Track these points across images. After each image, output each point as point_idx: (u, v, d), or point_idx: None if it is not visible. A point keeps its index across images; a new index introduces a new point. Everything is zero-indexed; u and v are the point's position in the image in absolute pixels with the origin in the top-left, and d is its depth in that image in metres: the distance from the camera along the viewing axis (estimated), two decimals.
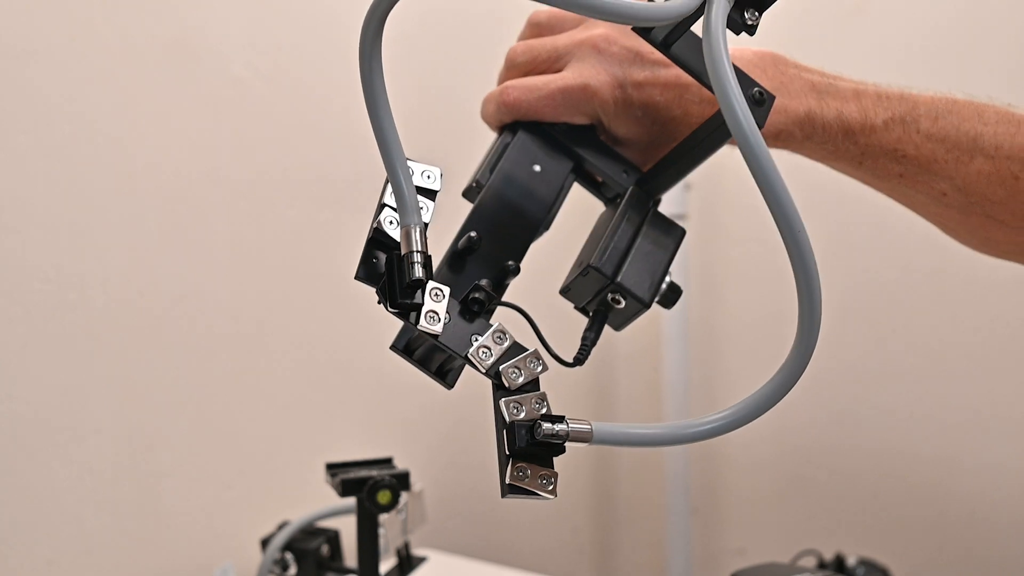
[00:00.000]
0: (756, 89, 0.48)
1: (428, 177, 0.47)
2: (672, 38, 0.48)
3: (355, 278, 0.45)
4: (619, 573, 1.57)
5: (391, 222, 0.46)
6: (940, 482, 1.30)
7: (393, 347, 0.49)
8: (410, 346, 0.48)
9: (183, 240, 0.96)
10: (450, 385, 0.49)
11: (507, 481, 0.41)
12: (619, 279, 0.48)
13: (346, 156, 1.12)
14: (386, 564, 0.81)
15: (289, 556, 0.85)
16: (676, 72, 0.53)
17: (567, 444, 0.42)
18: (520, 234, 0.52)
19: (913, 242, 1.27)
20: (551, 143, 0.55)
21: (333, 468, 0.80)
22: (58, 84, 0.85)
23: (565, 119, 0.55)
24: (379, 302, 0.45)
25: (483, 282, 0.47)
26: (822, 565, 1.21)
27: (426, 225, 0.45)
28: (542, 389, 0.43)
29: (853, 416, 1.34)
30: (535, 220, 0.53)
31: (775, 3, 0.46)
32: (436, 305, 0.44)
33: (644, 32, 0.48)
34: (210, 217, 0.98)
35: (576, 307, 0.51)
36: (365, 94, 0.44)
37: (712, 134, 0.51)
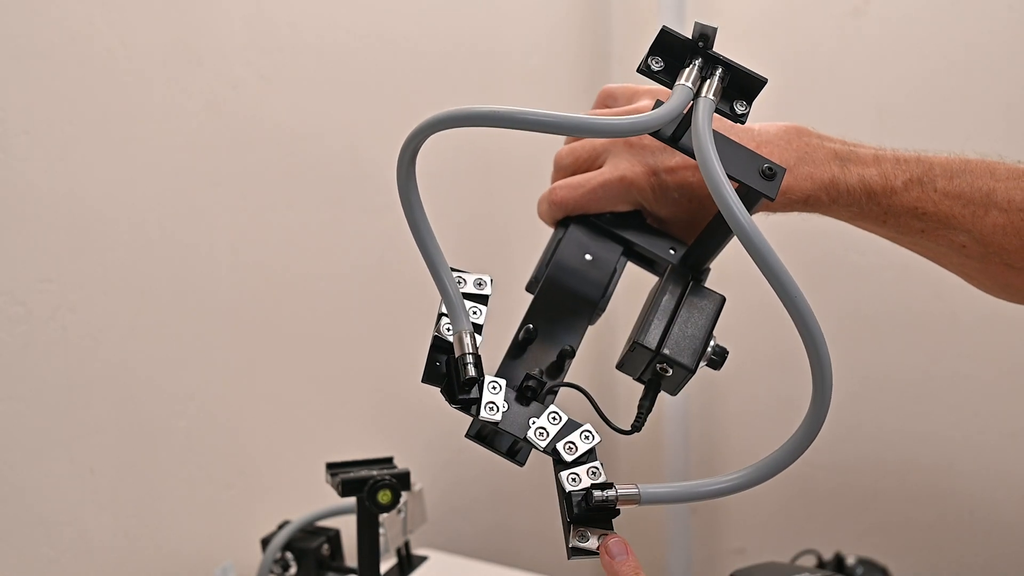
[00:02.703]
0: (766, 165, 0.52)
1: (480, 284, 0.54)
2: (679, 133, 0.53)
3: (422, 381, 0.52)
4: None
5: (448, 328, 0.52)
6: (939, 482, 1.31)
7: (467, 435, 0.55)
8: (480, 432, 0.54)
9: (183, 240, 0.96)
10: (521, 463, 0.56)
11: (570, 544, 0.48)
12: (664, 351, 0.53)
13: (346, 156, 1.12)
14: (386, 564, 0.81)
15: (289, 556, 0.85)
16: None
17: (621, 507, 0.49)
18: (575, 320, 0.58)
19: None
20: (600, 232, 0.61)
21: (333, 468, 0.80)
22: (58, 84, 0.85)
23: (609, 209, 0.61)
24: (446, 399, 0.52)
25: (535, 371, 0.54)
26: (821, 565, 1.21)
27: (479, 327, 0.52)
28: (597, 459, 0.50)
29: (852, 417, 1.34)
30: (590, 304, 0.59)
31: (762, 91, 0.50)
32: (494, 397, 0.51)
33: (653, 133, 0.54)
34: (210, 217, 0.98)
35: (633, 379, 0.56)
36: (407, 218, 0.50)
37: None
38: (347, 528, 0.86)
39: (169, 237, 0.94)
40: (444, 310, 0.52)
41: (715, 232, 0.57)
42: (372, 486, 0.74)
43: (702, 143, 0.45)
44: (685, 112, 0.49)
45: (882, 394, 1.33)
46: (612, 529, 0.49)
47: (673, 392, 0.55)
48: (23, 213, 0.83)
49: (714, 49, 0.49)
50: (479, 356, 0.50)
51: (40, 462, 0.85)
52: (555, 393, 0.55)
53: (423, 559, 0.88)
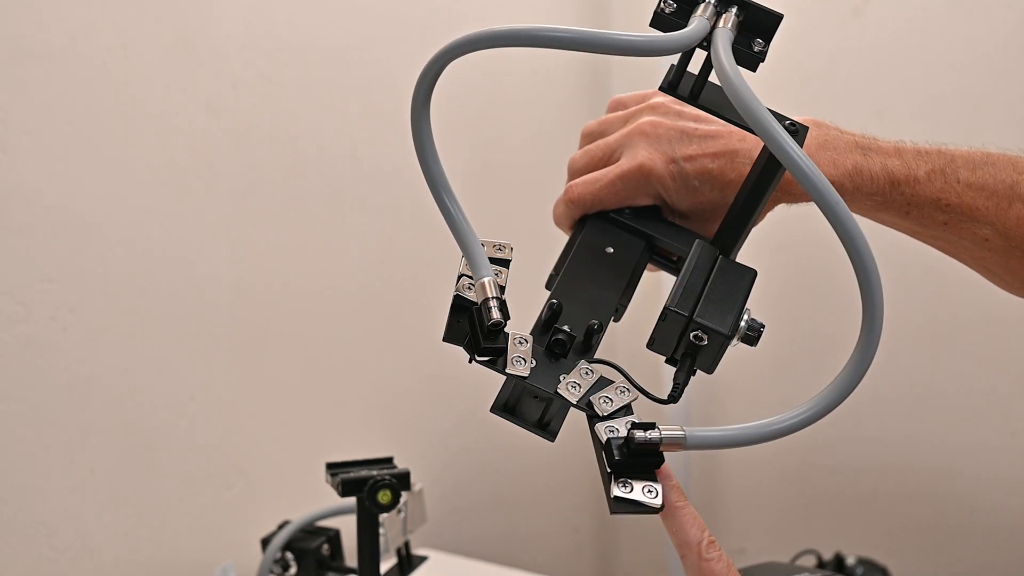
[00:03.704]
0: (787, 122, 0.51)
1: (500, 248, 0.51)
2: (696, 89, 0.52)
3: (443, 340, 0.48)
4: (619, 573, 1.56)
5: (469, 287, 0.48)
6: (939, 482, 1.31)
7: (493, 409, 0.51)
8: (508, 404, 0.50)
9: (184, 240, 0.96)
10: (552, 436, 0.51)
11: (612, 495, 0.43)
12: (696, 316, 0.49)
13: (346, 156, 1.12)
14: (386, 564, 0.81)
15: (289, 556, 0.85)
16: (724, 141, 0.58)
17: (665, 453, 0.44)
18: (600, 300, 0.54)
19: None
20: (621, 227, 0.58)
21: (333, 468, 0.80)
22: (58, 84, 0.85)
23: (629, 203, 0.59)
24: (470, 360, 0.47)
25: (564, 326, 0.50)
26: (821, 565, 1.21)
27: (502, 288, 0.48)
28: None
29: (853, 417, 1.34)
30: (611, 299, 0.55)
31: (779, 29, 0.49)
32: (520, 350, 0.47)
33: (671, 89, 0.52)
34: (210, 217, 0.98)
35: (666, 359, 0.53)
36: (423, 168, 0.48)
37: (762, 172, 0.54)
38: (347, 528, 0.86)
39: (169, 237, 0.94)
40: (464, 270, 0.49)
41: (739, 213, 0.55)
42: (372, 486, 0.74)
43: (725, 68, 0.44)
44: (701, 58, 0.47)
45: (882, 395, 1.33)
46: (655, 479, 0.44)
47: (709, 368, 0.52)
48: (23, 213, 0.83)
49: None
50: (504, 301, 0.46)
51: (40, 462, 0.85)
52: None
53: (423, 559, 0.88)
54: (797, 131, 0.51)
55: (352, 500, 0.77)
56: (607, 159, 0.61)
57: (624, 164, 0.59)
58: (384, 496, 0.75)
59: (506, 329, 0.47)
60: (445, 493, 1.25)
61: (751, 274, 0.53)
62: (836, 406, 0.45)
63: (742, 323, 0.50)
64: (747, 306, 0.51)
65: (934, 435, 1.30)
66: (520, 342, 0.47)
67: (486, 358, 0.47)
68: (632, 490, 0.44)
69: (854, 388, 0.45)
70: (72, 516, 0.87)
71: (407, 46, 1.19)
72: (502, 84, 1.35)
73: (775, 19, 0.49)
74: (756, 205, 0.55)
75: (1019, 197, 0.59)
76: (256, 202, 1.02)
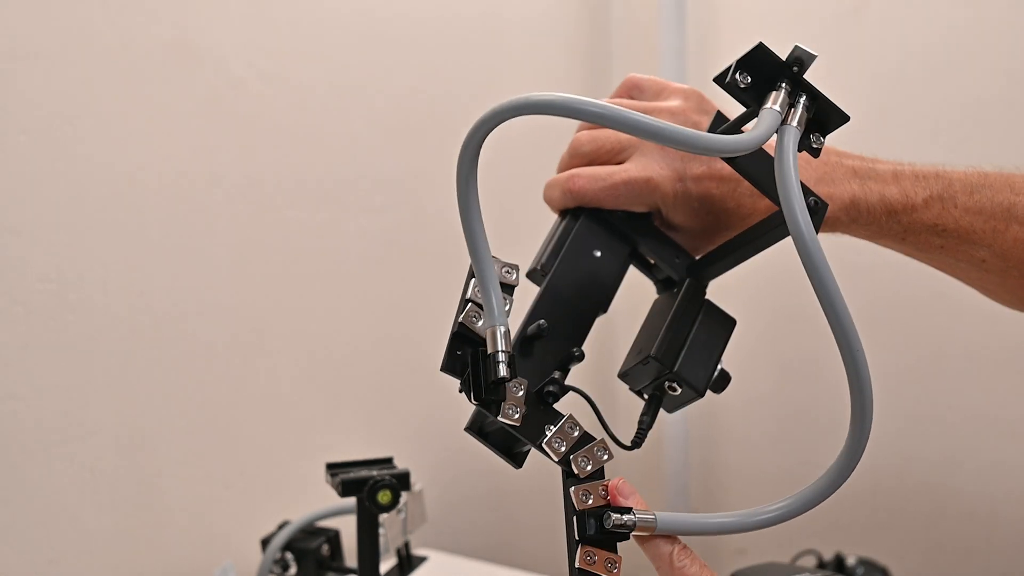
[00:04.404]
0: (812, 199, 0.51)
1: (508, 272, 0.50)
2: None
3: (441, 370, 0.48)
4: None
5: (475, 318, 0.48)
6: (940, 482, 1.30)
7: (467, 429, 0.52)
8: (483, 429, 0.52)
9: (183, 240, 0.96)
10: (519, 465, 0.53)
11: (576, 566, 0.45)
12: (676, 369, 0.51)
13: (346, 156, 1.12)
14: (386, 564, 0.81)
15: (289, 556, 0.85)
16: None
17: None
18: (582, 320, 0.55)
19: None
20: (610, 229, 0.58)
21: (333, 468, 0.80)
22: (58, 84, 0.85)
23: (625, 207, 0.58)
24: (460, 390, 0.48)
25: (556, 374, 0.50)
26: (822, 565, 1.21)
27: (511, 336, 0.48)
28: (606, 476, 0.47)
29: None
30: (596, 304, 0.56)
31: (839, 128, 0.48)
32: (515, 397, 0.47)
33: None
34: (210, 217, 0.98)
35: (632, 390, 0.54)
36: (460, 210, 0.47)
37: (770, 232, 0.54)
38: (347, 528, 0.86)
39: (168, 237, 0.94)
40: (472, 296, 0.49)
41: (735, 249, 0.55)
42: (372, 486, 0.74)
43: (787, 180, 0.42)
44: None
45: (882, 394, 1.33)
46: (616, 551, 0.46)
47: (671, 410, 0.54)
48: (23, 213, 0.83)
49: (805, 77, 0.46)
50: (513, 356, 0.46)
51: (40, 462, 0.85)
52: (561, 395, 0.52)
53: (423, 559, 0.88)
54: (818, 208, 0.52)
55: (352, 500, 0.77)
56: (615, 154, 0.59)
57: (632, 171, 0.58)
58: (384, 496, 0.75)
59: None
60: (445, 493, 1.25)
61: (731, 325, 0.54)
62: (815, 505, 0.47)
63: (715, 374, 0.52)
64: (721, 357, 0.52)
65: (934, 435, 1.30)
66: (515, 388, 0.47)
67: (480, 404, 0.47)
68: (595, 562, 0.46)
69: (836, 489, 0.47)
70: (72, 516, 0.87)
71: (407, 46, 1.19)
72: (502, 81, 1.34)
73: (841, 120, 0.48)
74: (755, 252, 0.56)
75: (1016, 219, 0.59)
76: (256, 202, 1.02)
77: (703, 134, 0.42)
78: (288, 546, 0.85)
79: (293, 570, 0.86)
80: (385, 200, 1.16)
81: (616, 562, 0.46)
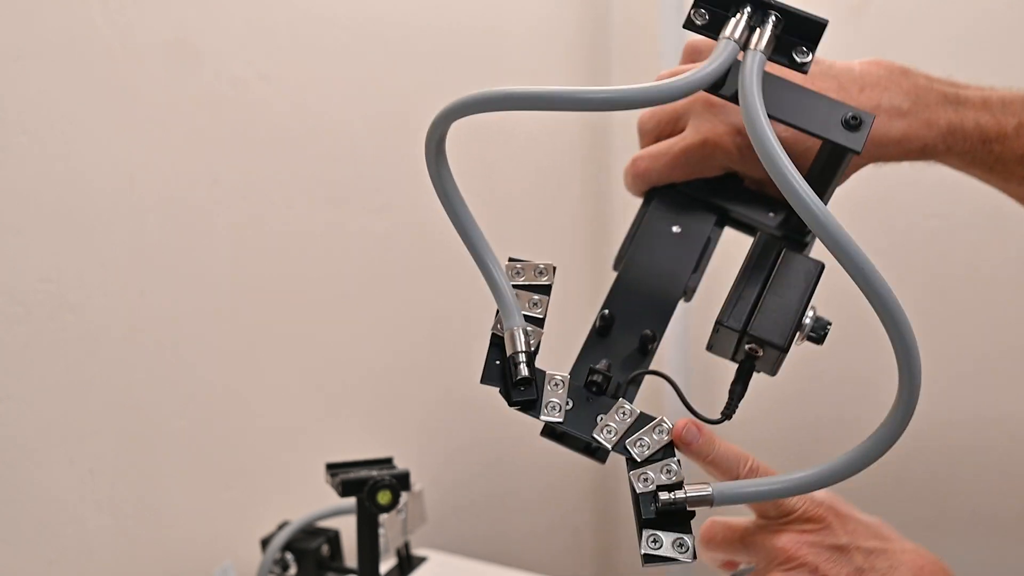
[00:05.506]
0: (850, 114, 0.47)
1: (540, 273, 0.49)
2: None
3: (481, 382, 0.48)
4: (619, 573, 1.56)
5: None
6: (940, 481, 1.30)
7: (543, 434, 0.50)
8: (555, 431, 0.50)
9: (183, 240, 0.96)
10: (602, 461, 0.51)
11: (642, 551, 0.44)
12: (750, 330, 0.48)
13: (346, 156, 1.12)
14: (386, 564, 0.81)
15: (289, 556, 0.85)
16: None
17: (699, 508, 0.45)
18: (660, 301, 0.53)
19: (913, 241, 1.27)
20: (689, 202, 0.56)
21: (333, 468, 0.80)
22: (58, 84, 0.85)
23: (697, 175, 0.56)
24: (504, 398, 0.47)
25: (600, 364, 0.49)
26: None
27: (540, 320, 0.48)
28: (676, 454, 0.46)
29: (852, 416, 1.34)
30: (677, 281, 0.54)
31: (824, 32, 0.45)
32: (556, 395, 0.47)
33: (714, 89, 0.49)
34: (210, 217, 0.98)
35: (727, 359, 0.52)
36: (446, 209, 0.47)
37: (826, 162, 0.51)
38: (347, 528, 0.86)
39: (169, 237, 0.94)
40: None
41: (813, 184, 0.52)
42: (372, 486, 0.74)
43: (750, 105, 0.40)
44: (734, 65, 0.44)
45: (881, 394, 1.33)
46: (689, 531, 0.45)
47: (772, 372, 0.51)
48: (23, 213, 0.83)
49: None
50: (533, 354, 0.46)
51: (40, 462, 0.85)
52: (638, 383, 0.51)
53: (423, 559, 0.88)
54: (860, 123, 0.47)
55: (352, 500, 0.77)
56: (673, 124, 0.57)
57: (688, 138, 0.55)
58: (384, 496, 0.75)
59: (543, 368, 0.47)
60: (445, 493, 1.25)
61: (815, 269, 0.50)
62: (867, 465, 0.46)
63: (806, 321, 0.49)
64: (812, 303, 0.49)
65: (934, 434, 1.30)
66: (556, 384, 0.47)
67: (518, 408, 0.47)
68: (661, 545, 0.44)
69: (891, 445, 0.46)
70: (72, 516, 0.87)
71: (407, 46, 1.19)
72: (502, 83, 1.34)
73: (819, 27, 0.45)
74: (826, 189, 0.52)
75: None
76: (256, 202, 1.02)
77: (646, 86, 0.41)
78: (288, 546, 0.85)
79: (293, 570, 0.86)
80: (386, 201, 1.16)
81: (686, 540, 0.44)
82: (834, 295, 0.56)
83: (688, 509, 0.45)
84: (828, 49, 0.56)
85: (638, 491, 0.45)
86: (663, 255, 0.54)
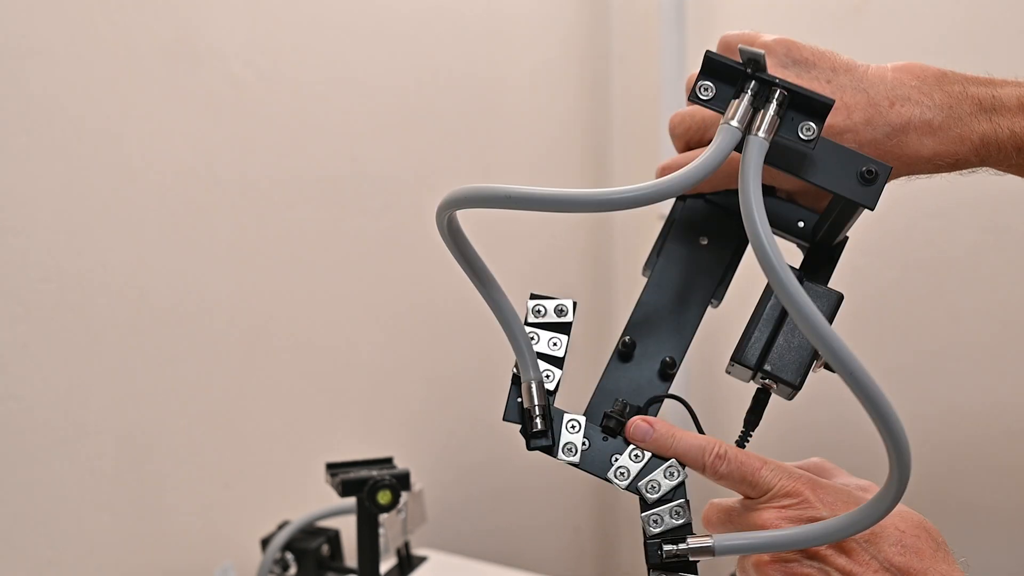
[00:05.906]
0: (865, 168, 0.46)
1: (561, 311, 0.51)
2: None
3: (503, 419, 0.51)
4: (619, 573, 1.56)
5: None
6: (941, 480, 1.30)
7: (533, 447, 0.53)
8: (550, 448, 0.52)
9: (183, 240, 0.96)
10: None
11: None
12: (766, 367, 0.49)
13: (346, 156, 1.12)
14: (386, 564, 0.81)
15: (289, 556, 0.85)
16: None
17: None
18: (683, 320, 0.54)
19: (913, 241, 1.27)
20: (718, 212, 0.56)
21: (333, 468, 0.80)
22: (58, 84, 0.85)
23: (724, 187, 0.56)
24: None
25: (616, 403, 0.51)
26: None
27: (560, 360, 0.50)
28: (687, 495, 0.49)
29: (853, 415, 1.34)
30: (702, 297, 0.54)
31: (830, 111, 0.44)
32: (572, 437, 0.50)
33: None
34: (210, 217, 0.98)
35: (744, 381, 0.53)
36: (470, 278, 0.48)
37: (841, 212, 0.51)
38: (347, 528, 0.86)
39: (168, 237, 0.94)
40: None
41: (830, 226, 0.52)
42: (372, 486, 0.74)
43: (747, 196, 0.40)
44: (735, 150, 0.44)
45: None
46: (695, 573, 0.48)
47: (788, 398, 0.52)
48: (23, 213, 0.83)
49: (767, 74, 0.44)
50: (548, 408, 0.49)
51: (40, 462, 0.85)
52: (657, 409, 0.52)
53: (423, 559, 0.88)
54: (876, 177, 0.46)
55: (352, 500, 0.77)
56: (702, 133, 0.56)
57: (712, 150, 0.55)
58: (384, 496, 0.75)
59: (560, 409, 0.50)
60: (445, 493, 1.25)
61: (833, 301, 0.51)
62: (863, 530, 0.46)
63: (815, 361, 0.49)
64: None
65: (934, 434, 1.30)
66: (572, 427, 0.50)
67: (540, 450, 0.50)
68: None
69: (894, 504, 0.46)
70: (72, 516, 0.87)
71: (407, 46, 1.19)
72: (502, 82, 1.34)
73: (825, 107, 0.44)
74: (840, 230, 0.53)
75: None
76: (256, 202, 1.02)
77: (647, 185, 0.41)
78: (288, 546, 0.85)
79: (293, 570, 0.86)
80: (385, 199, 1.16)
81: None
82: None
83: (691, 560, 0.47)
84: (828, 48, 0.56)
85: (647, 535, 0.48)
86: (688, 272, 0.55)
